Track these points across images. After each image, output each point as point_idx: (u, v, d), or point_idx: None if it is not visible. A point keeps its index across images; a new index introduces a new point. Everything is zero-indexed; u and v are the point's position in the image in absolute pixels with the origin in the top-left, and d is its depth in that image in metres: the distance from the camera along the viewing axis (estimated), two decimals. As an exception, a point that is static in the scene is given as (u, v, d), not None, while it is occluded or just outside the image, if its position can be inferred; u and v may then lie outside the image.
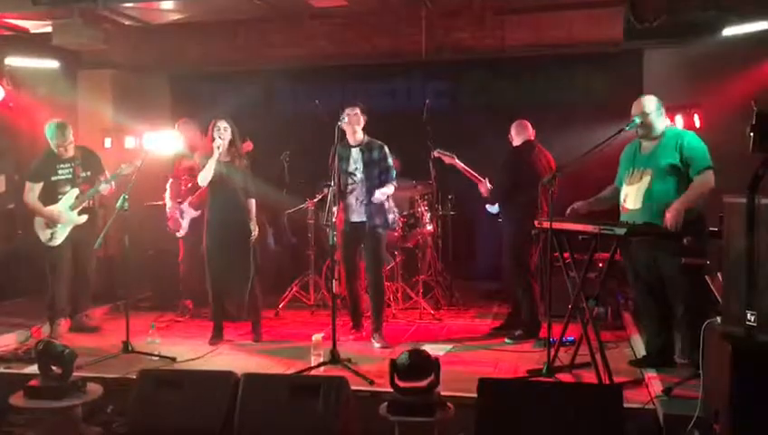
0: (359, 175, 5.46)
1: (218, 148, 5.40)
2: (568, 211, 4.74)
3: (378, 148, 5.49)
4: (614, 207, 4.73)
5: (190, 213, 6.36)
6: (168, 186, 6.53)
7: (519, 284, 5.65)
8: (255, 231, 5.57)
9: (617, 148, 4.74)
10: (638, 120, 4.48)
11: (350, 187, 5.47)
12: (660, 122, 4.52)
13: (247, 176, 5.59)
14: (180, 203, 6.40)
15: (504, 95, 7.60)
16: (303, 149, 6.97)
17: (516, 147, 5.71)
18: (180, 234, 6.43)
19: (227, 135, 5.48)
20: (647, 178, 4.44)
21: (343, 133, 5.39)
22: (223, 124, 5.47)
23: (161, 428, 3.74)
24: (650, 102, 4.52)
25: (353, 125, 5.41)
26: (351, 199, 5.48)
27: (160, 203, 6.69)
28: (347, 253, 5.63)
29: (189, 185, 6.36)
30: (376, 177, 5.45)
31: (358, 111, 5.41)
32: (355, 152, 5.49)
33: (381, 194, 5.39)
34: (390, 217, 5.57)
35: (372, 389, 4.31)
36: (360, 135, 5.49)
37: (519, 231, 5.42)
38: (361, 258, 5.61)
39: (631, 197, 4.51)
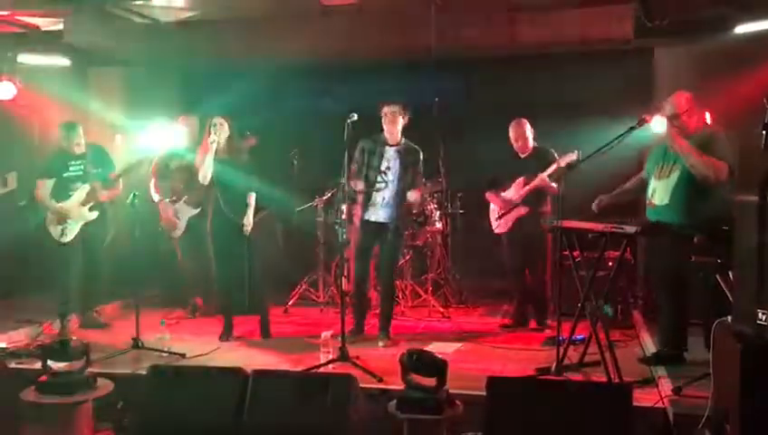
0: (390, 175, 5.40)
1: (212, 143, 5.41)
2: (594, 205, 4.71)
3: (414, 152, 5.44)
4: (639, 200, 4.69)
5: (188, 211, 6.32)
6: (150, 186, 6.42)
7: (538, 280, 5.72)
8: (249, 226, 5.54)
9: (627, 145, 4.72)
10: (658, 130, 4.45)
11: (378, 185, 5.41)
12: (693, 120, 4.46)
13: (248, 171, 5.58)
14: (175, 202, 6.34)
15: (515, 93, 7.56)
16: (312, 147, 6.97)
17: None
18: (177, 234, 6.37)
19: (223, 131, 5.48)
20: (675, 174, 4.42)
21: (381, 129, 5.36)
22: (218, 121, 5.47)
23: (171, 423, 3.76)
24: (684, 100, 4.48)
25: (390, 123, 5.35)
26: (377, 198, 5.42)
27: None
28: (361, 252, 5.58)
29: (183, 185, 6.32)
30: (409, 181, 5.40)
31: (397, 109, 5.36)
32: (391, 151, 5.43)
33: (414, 193, 5.34)
34: (406, 218, 5.57)
35: (381, 386, 4.31)
36: (398, 134, 5.43)
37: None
38: (374, 259, 5.60)
39: (659, 192, 4.49)
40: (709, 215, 4.22)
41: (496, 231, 5.92)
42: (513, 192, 5.78)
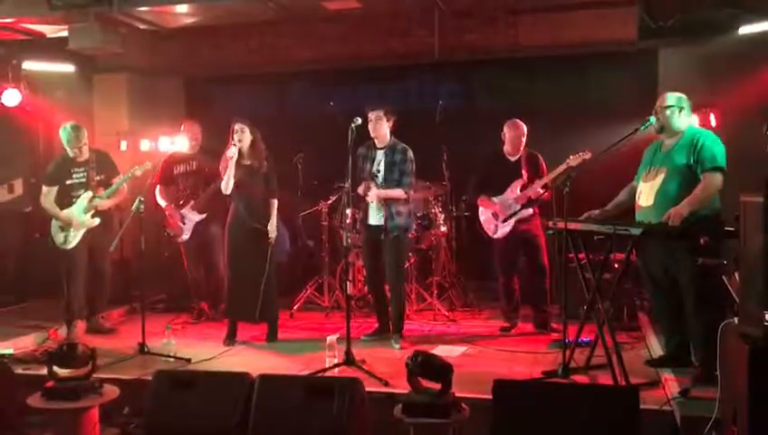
0: (380, 177, 5.46)
1: (236, 148, 5.42)
2: (582, 219, 4.70)
3: (400, 150, 5.47)
4: (633, 207, 4.68)
5: (194, 217, 6.31)
6: (156, 191, 6.35)
7: (540, 272, 5.76)
8: (274, 233, 5.57)
9: (631, 149, 4.71)
10: (653, 120, 4.46)
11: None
12: (680, 120, 4.47)
13: (270, 177, 5.58)
14: (182, 207, 6.32)
15: (518, 95, 7.57)
16: (317, 152, 6.98)
17: None
18: (184, 238, 6.34)
19: (246, 137, 5.48)
20: (661, 177, 4.42)
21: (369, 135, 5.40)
22: (240, 126, 5.47)
23: (177, 428, 3.75)
24: (671, 97, 4.49)
25: (377, 129, 5.40)
26: (373, 201, 5.47)
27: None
28: (368, 255, 5.64)
29: (189, 191, 6.31)
30: (394, 179, 5.44)
31: (381, 113, 5.39)
32: (380, 154, 5.49)
33: (375, 195, 5.39)
34: (406, 220, 5.55)
35: (387, 390, 4.31)
36: (386, 137, 5.48)
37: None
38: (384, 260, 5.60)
39: (644, 194, 4.49)
40: (696, 215, 4.19)
41: (497, 236, 5.83)
42: (510, 196, 5.74)
